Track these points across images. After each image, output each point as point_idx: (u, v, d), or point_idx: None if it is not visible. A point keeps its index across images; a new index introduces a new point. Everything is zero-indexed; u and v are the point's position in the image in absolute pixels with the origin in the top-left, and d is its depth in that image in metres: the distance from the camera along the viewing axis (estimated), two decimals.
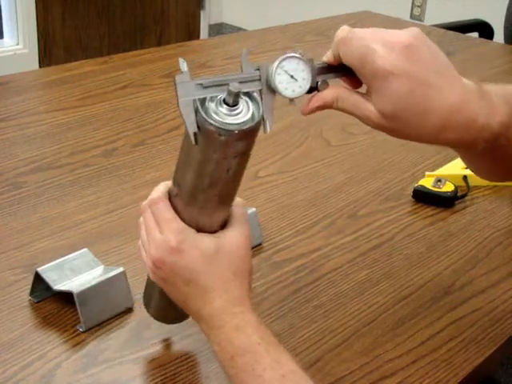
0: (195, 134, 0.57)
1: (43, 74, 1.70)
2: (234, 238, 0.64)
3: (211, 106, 0.57)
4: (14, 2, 3.29)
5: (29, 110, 1.33)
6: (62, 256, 0.82)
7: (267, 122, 0.59)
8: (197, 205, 0.62)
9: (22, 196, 1.03)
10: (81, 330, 0.77)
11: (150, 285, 0.73)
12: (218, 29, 4.40)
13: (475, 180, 1.11)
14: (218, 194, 0.61)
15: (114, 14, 3.62)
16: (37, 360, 0.72)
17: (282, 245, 0.95)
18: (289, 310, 0.82)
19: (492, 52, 1.98)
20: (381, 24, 2.04)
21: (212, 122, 0.56)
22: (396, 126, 0.61)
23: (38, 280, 0.79)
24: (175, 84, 0.57)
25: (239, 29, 4.25)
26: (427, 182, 1.09)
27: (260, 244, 0.94)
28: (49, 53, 3.43)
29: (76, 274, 0.80)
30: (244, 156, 0.59)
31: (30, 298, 0.81)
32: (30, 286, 0.81)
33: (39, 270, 0.79)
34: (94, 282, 0.78)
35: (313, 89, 0.63)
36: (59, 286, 0.78)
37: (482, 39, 2.14)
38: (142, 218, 0.67)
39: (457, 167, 1.15)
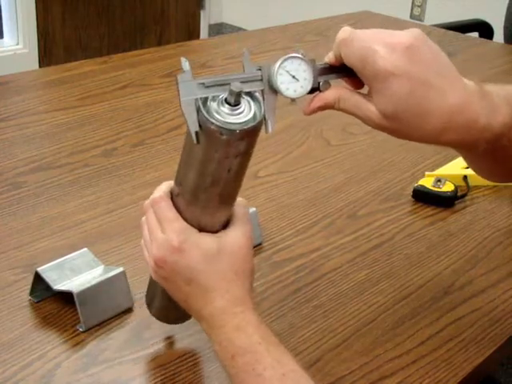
0: (197, 133, 0.57)
1: (43, 74, 1.70)
2: (235, 237, 0.64)
3: (213, 105, 0.57)
4: (13, 2, 3.29)
5: (28, 109, 1.33)
6: (62, 256, 0.82)
7: (269, 122, 0.59)
8: (199, 204, 0.62)
9: (22, 196, 1.03)
10: (81, 329, 0.77)
11: (152, 284, 0.72)
12: (218, 29, 4.40)
13: (475, 180, 1.11)
14: (220, 194, 0.61)
15: (114, 13, 3.62)
16: (37, 360, 0.72)
17: (282, 245, 0.95)
18: (289, 310, 0.82)
19: (492, 52, 1.98)
20: (381, 24, 2.04)
21: (214, 121, 0.56)
22: (397, 126, 0.61)
23: (38, 280, 0.79)
24: (177, 83, 0.57)
25: (239, 29, 4.24)
26: (427, 182, 1.09)
27: (260, 244, 0.94)
28: (49, 53, 3.43)
29: (76, 273, 0.80)
30: (245, 155, 0.59)
31: (29, 297, 0.81)
32: (29, 286, 0.81)
33: (39, 269, 0.79)
34: (93, 282, 0.78)
35: (314, 89, 0.63)
36: (59, 285, 0.78)
37: (482, 39, 2.14)
38: (144, 218, 0.67)
39: (457, 167, 1.15)
